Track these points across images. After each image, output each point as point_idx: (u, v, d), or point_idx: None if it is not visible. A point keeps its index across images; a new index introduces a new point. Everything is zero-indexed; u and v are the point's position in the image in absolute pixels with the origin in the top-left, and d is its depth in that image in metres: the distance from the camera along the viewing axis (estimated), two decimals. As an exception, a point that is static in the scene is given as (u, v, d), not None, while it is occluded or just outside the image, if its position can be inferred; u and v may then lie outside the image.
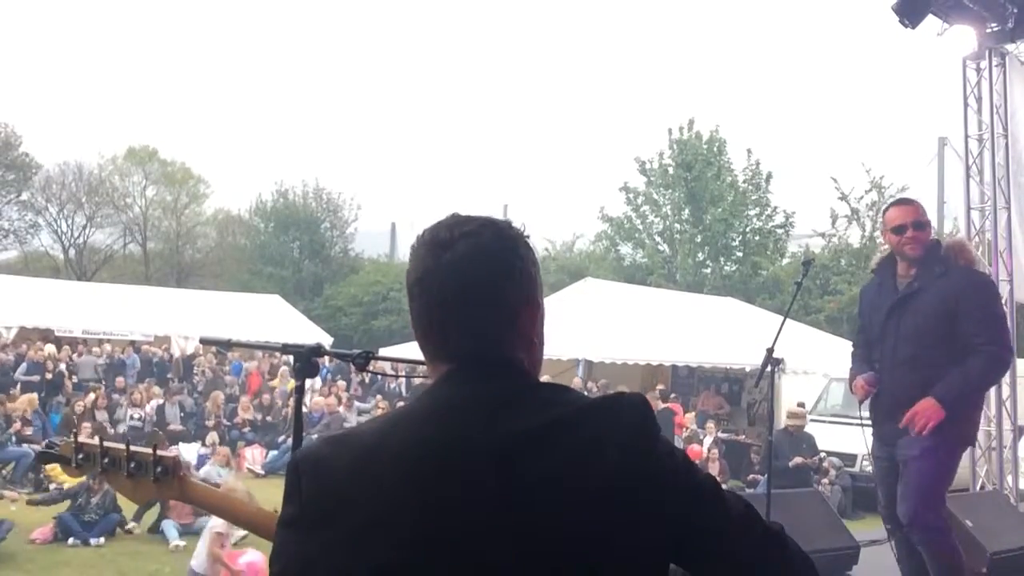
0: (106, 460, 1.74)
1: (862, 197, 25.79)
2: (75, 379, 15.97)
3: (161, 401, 14.42)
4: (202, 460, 11.85)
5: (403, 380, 15.57)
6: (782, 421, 11.64)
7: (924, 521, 3.87)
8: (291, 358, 2.12)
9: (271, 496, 1.60)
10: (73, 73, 69.96)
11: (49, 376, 15.35)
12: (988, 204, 8.43)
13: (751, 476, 12.17)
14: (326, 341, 19.48)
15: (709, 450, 12.07)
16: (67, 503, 8.62)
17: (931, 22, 7.94)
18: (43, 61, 67.37)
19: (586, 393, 1.41)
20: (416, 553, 1.08)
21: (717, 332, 15.75)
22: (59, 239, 37.03)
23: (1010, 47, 8.29)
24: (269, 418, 14.96)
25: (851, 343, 4.50)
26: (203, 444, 13.01)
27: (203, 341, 2.67)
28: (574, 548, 1.10)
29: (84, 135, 71.70)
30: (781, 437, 11.00)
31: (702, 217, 27.34)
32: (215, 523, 6.47)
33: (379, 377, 15.43)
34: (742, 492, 10.25)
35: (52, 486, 10.01)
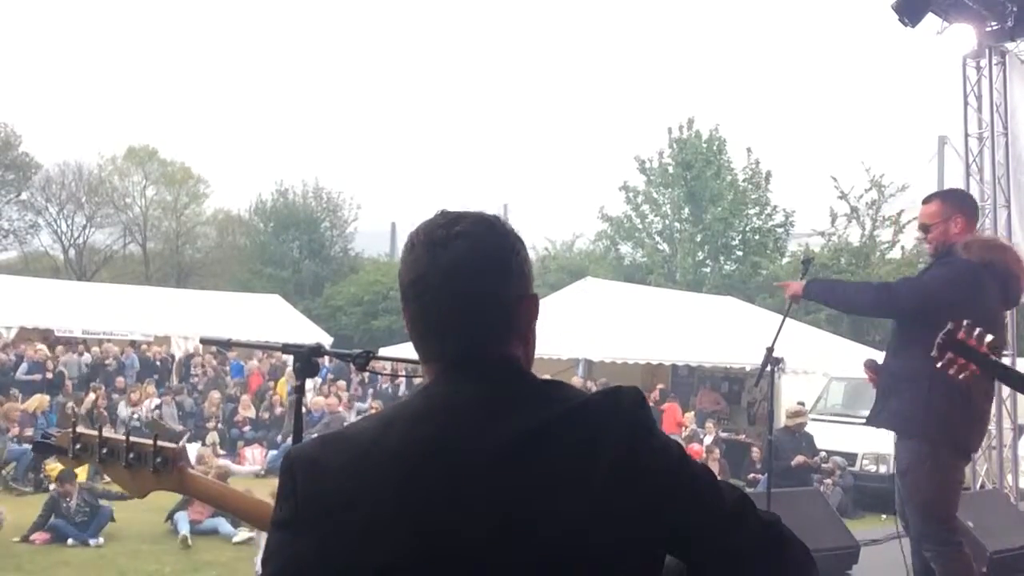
0: (104, 450, 1.72)
1: (862, 196, 25.81)
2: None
3: (158, 401, 14.41)
4: (202, 460, 11.84)
5: (394, 379, 15.53)
6: (782, 421, 11.64)
7: (931, 537, 3.77)
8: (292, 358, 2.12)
9: (269, 495, 1.59)
10: (73, 73, 69.98)
11: (50, 376, 15.35)
12: (988, 202, 8.43)
13: (751, 475, 12.17)
14: (326, 341, 19.47)
15: (709, 449, 12.07)
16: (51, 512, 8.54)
17: (931, 21, 7.94)
18: (43, 61, 67.39)
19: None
20: (414, 553, 1.08)
21: (717, 331, 15.74)
22: (59, 239, 37.05)
23: (1010, 45, 8.29)
24: (267, 415, 14.96)
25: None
26: (203, 444, 13.01)
27: (203, 341, 2.66)
28: (573, 544, 1.10)
29: (84, 135, 71.80)
30: (781, 436, 10.99)
31: (702, 216, 27.33)
32: None
33: (379, 377, 15.43)
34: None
35: (52, 486, 10.00)
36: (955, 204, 4.02)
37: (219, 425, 14.31)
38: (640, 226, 29.08)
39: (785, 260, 27.76)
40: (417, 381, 14.03)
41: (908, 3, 7.55)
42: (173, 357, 18.88)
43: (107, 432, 1.78)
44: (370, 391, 16.89)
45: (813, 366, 13.81)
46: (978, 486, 8.31)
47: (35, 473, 10.67)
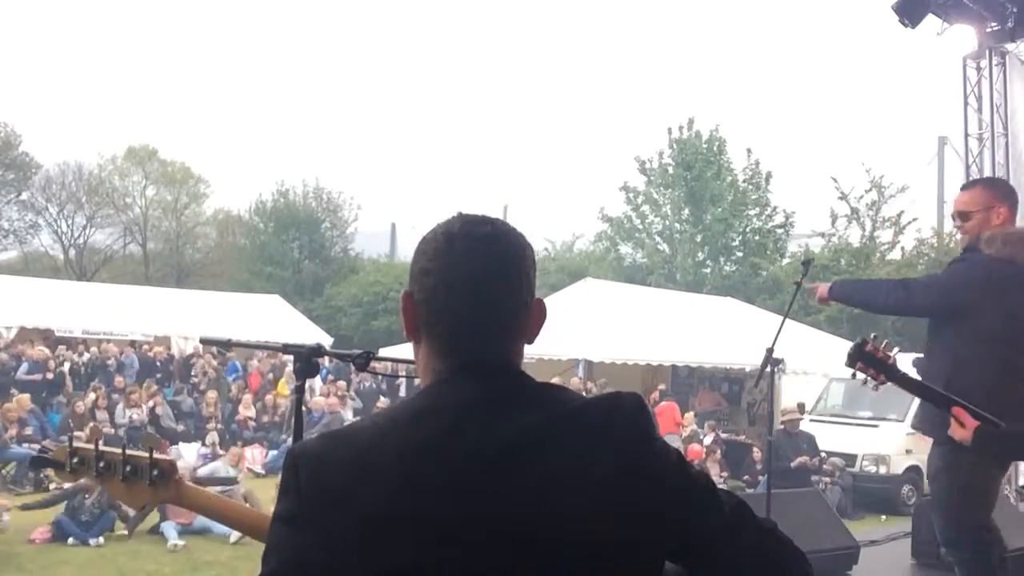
0: (101, 464, 1.73)
1: (862, 197, 25.80)
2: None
3: (152, 403, 14.39)
4: (202, 460, 11.86)
5: (376, 377, 15.51)
6: (782, 421, 11.65)
7: (954, 543, 3.60)
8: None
9: (271, 495, 1.59)
10: (73, 73, 69.99)
11: (51, 376, 15.35)
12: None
13: (746, 476, 12.19)
14: (326, 341, 19.46)
15: (710, 450, 12.08)
16: (63, 505, 8.60)
17: (931, 21, 7.96)
18: (43, 61, 67.39)
19: (585, 393, 1.42)
20: (415, 553, 1.08)
21: (717, 332, 15.74)
22: (59, 239, 37.05)
23: (1010, 46, 8.29)
24: (269, 417, 14.97)
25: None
26: (203, 444, 13.02)
27: (203, 341, 2.66)
28: (573, 547, 1.10)
29: (84, 135, 71.79)
30: (781, 437, 11.01)
31: (702, 217, 27.34)
32: None
33: (379, 377, 15.43)
34: (742, 492, 10.27)
35: (52, 486, 10.01)
36: (1000, 193, 3.62)
37: (219, 425, 14.31)
38: (640, 227, 29.09)
39: (785, 261, 27.75)
40: (417, 381, 13.99)
41: (908, 4, 7.56)
42: (172, 357, 18.87)
43: (103, 445, 1.78)
44: (351, 390, 16.73)
45: (813, 367, 13.81)
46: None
47: (35, 473, 10.67)
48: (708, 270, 28.04)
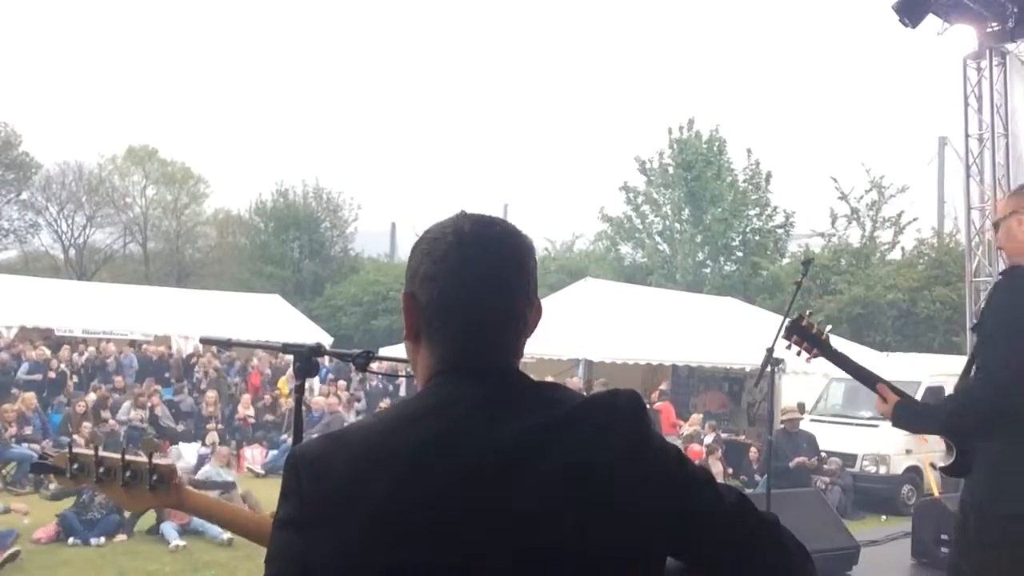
0: (101, 470, 1.73)
1: (862, 197, 25.83)
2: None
3: (152, 403, 14.38)
4: (202, 460, 11.85)
5: (381, 377, 15.51)
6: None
7: None
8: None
9: (272, 496, 1.59)
10: (73, 73, 70.01)
11: (53, 376, 15.35)
12: (988, 204, 8.43)
13: (743, 476, 12.19)
14: (326, 341, 19.47)
15: (710, 449, 12.08)
16: (71, 500, 8.63)
17: (931, 21, 7.96)
18: (43, 61, 67.39)
19: (584, 393, 1.42)
20: (418, 554, 1.08)
21: (717, 332, 15.73)
22: (59, 239, 37.07)
23: (1010, 46, 8.30)
24: (271, 417, 14.96)
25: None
26: (203, 444, 13.01)
27: (203, 341, 2.65)
28: (575, 545, 1.10)
29: (84, 135, 71.88)
30: (780, 437, 11.02)
31: (702, 217, 27.33)
32: None
33: (379, 377, 15.42)
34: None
35: (52, 486, 10.01)
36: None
37: (219, 425, 14.30)
38: (640, 226, 29.09)
39: (785, 261, 27.77)
40: (416, 381, 13.99)
41: (909, 4, 7.56)
42: (171, 355, 18.86)
43: (102, 450, 1.78)
44: (351, 390, 16.74)
45: (813, 366, 13.67)
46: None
47: (35, 474, 10.66)
48: (708, 270, 28.04)
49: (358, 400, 16.09)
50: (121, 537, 8.57)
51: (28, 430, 12.04)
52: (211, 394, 15.13)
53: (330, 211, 36.07)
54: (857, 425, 12.31)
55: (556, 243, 34.64)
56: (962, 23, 8.12)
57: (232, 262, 36.83)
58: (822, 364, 3.39)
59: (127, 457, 1.74)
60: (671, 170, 28.17)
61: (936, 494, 7.79)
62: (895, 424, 3.03)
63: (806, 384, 13.51)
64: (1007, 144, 8.32)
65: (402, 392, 16.74)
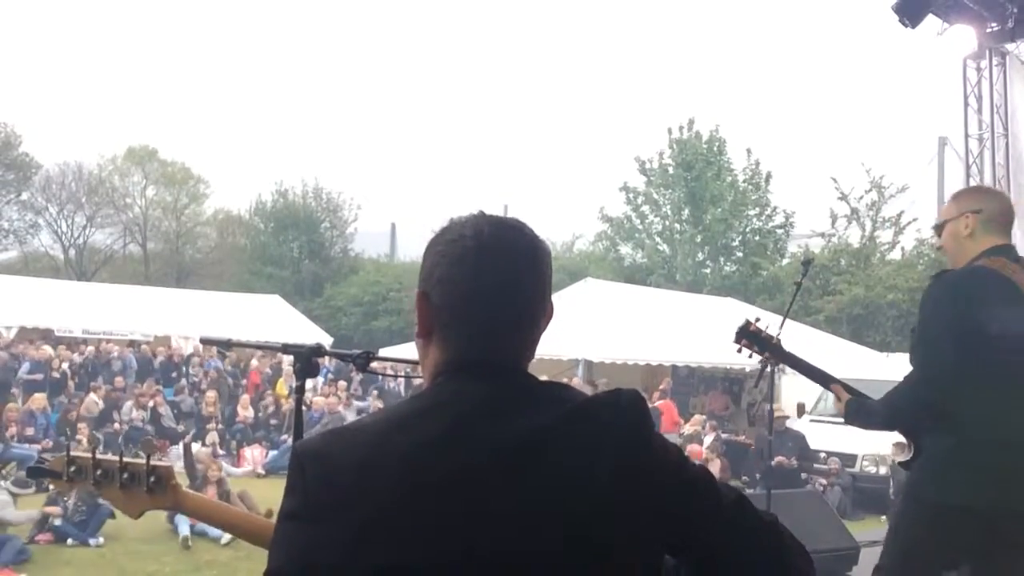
0: (99, 472, 1.72)
1: (862, 197, 25.79)
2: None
3: (154, 403, 14.39)
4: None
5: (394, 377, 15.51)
6: (782, 421, 11.63)
7: None
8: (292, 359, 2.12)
9: (271, 496, 1.59)
10: (73, 73, 70.02)
11: (56, 375, 15.36)
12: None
13: (744, 476, 12.20)
14: (326, 341, 19.47)
15: (711, 449, 12.08)
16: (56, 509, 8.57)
17: (931, 22, 7.96)
18: (43, 61, 67.40)
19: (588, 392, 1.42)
20: (419, 552, 1.08)
21: (717, 332, 15.69)
22: (59, 239, 37.08)
23: (1010, 47, 8.30)
24: (270, 418, 14.95)
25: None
26: (203, 444, 13.00)
27: (203, 341, 2.65)
28: (574, 544, 1.10)
29: (84, 135, 71.89)
30: (767, 437, 11.09)
31: (702, 217, 27.31)
32: None
33: (379, 377, 15.42)
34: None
35: (52, 487, 9.99)
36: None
37: (219, 425, 14.30)
38: (640, 227, 29.07)
39: (785, 261, 27.75)
40: (417, 381, 14.03)
41: (908, 4, 7.56)
42: (171, 356, 18.85)
43: (100, 451, 1.77)
44: (373, 391, 16.80)
45: (813, 367, 13.76)
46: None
47: (33, 480, 10.64)
48: (708, 270, 28.02)
49: (358, 397, 16.08)
50: (121, 535, 8.55)
51: (30, 431, 12.05)
52: (211, 394, 15.13)
53: (330, 211, 36.06)
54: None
55: (556, 243, 34.67)
56: (962, 23, 8.13)
57: (232, 263, 36.84)
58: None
59: (125, 459, 1.73)
60: (671, 170, 28.15)
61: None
62: (847, 421, 3.13)
63: (806, 385, 13.46)
64: (1007, 144, 8.33)
65: (401, 392, 16.75)
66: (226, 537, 8.31)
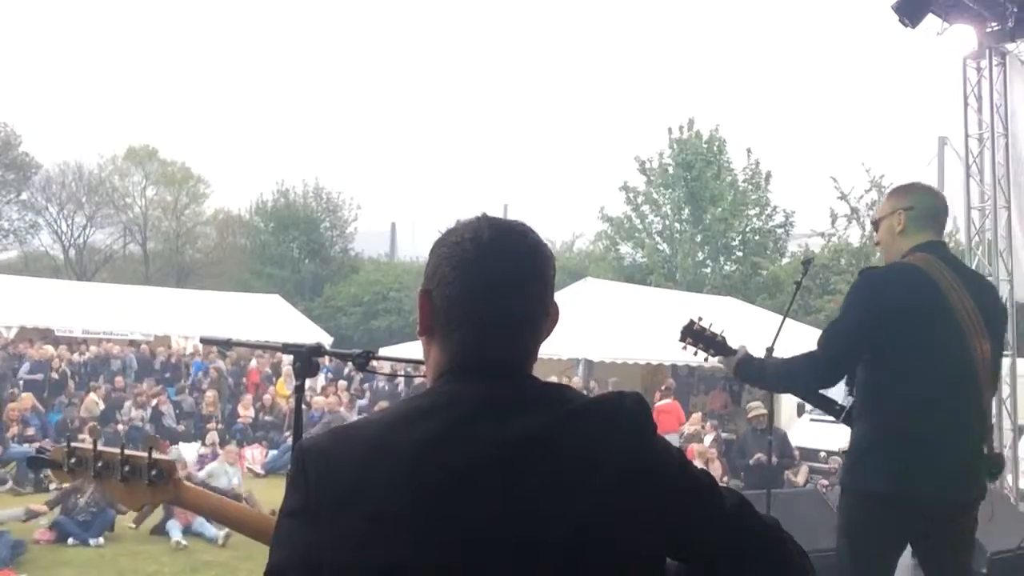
0: (99, 464, 1.72)
1: (862, 197, 25.76)
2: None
3: (154, 401, 14.40)
4: (202, 460, 11.85)
5: (392, 378, 15.49)
6: (782, 421, 11.64)
7: None
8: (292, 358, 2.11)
9: (271, 496, 1.59)
10: (73, 73, 70.04)
11: (55, 376, 15.36)
12: (988, 204, 8.43)
13: (743, 474, 12.19)
14: (326, 341, 19.47)
15: (708, 449, 12.09)
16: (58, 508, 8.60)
17: (931, 21, 7.94)
18: (43, 61, 67.42)
19: (586, 392, 1.42)
20: (419, 551, 1.08)
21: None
22: (59, 239, 37.08)
23: (1010, 46, 8.28)
24: (269, 417, 14.97)
25: None
26: (203, 444, 13.01)
27: (203, 341, 2.66)
28: (574, 546, 1.11)
29: (84, 135, 71.95)
30: (749, 435, 11.23)
31: (702, 217, 27.31)
32: None
33: (374, 376, 15.42)
34: (741, 491, 10.30)
35: (52, 486, 10.01)
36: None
37: (219, 425, 14.32)
38: (640, 226, 29.06)
39: (785, 261, 27.75)
40: (417, 381, 14.04)
41: (908, 4, 7.55)
42: (171, 356, 18.86)
43: (101, 445, 1.77)
44: (366, 388, 16.73)
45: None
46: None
47: (35, 474, 10.67)
48: (708, 270, 28.02)
49: (360, 397, 16.06)
50: (121, 536, 8.57)
51: (30, 431, 12.05)
52: (211, 394, 15.14)
53: (330, 211, 36.09)
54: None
55: (556, 243, 34.65)
56: (962, 23, 8.11)
57: (232, 262, 36.85)
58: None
59: (126, 452, 1.72)
60: (671, 170, 28.14)
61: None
62: (736, 370, 3.33)
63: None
64: (1007, 144, 8.31)
65: (401, 392, 16.74)
66: (222, 537, 8.33)
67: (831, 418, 3.50)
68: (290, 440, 6.09)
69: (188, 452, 12.35)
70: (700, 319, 3.59)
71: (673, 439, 12.57)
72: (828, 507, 7.28)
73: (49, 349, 16.21)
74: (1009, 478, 8.41)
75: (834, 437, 11.93)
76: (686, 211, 27.92)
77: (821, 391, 3.29)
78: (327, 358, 2.23)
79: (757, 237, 27.96)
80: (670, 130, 28.44)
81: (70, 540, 8.25)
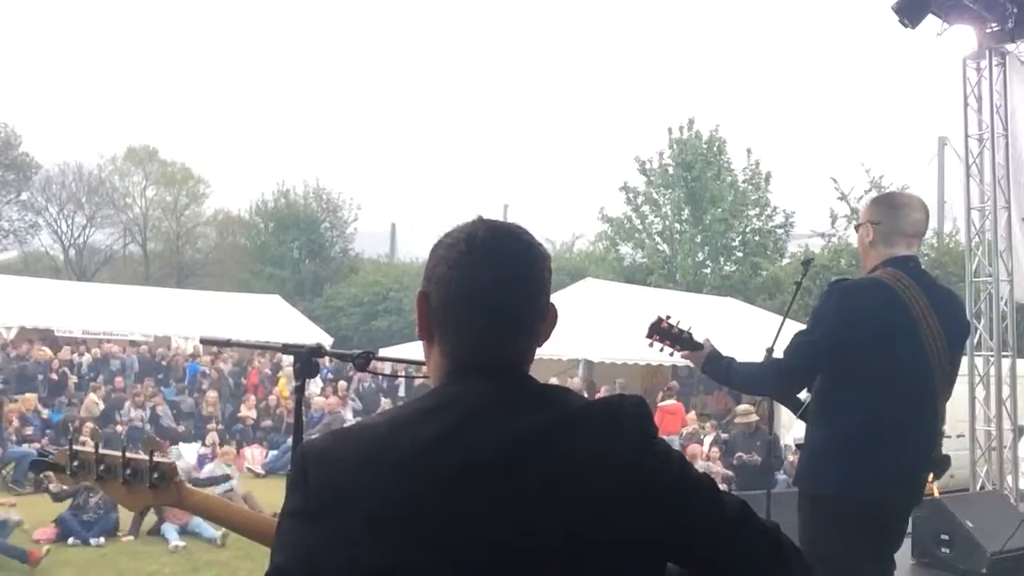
0: (101, 467, 1.72)
1: (862, 197, 25.75)
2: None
3: (152, 403, 14.38)
4: (202, 460, 11.86)
5: (376, 378, 15.48)
6: (782, 421, 11.62)
7: None
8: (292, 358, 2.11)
9: (271, 497, 1.59)
10: (73, 73, 70.00)
11: (54, 377, 15.35)
12: (988, 204, 8.43)
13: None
14: (326, 341, 19.48)
15: (709, 449, 12.09)
16: (68, 502, 8.63)
17: (931, 22, 7.95)
18: (43, 61, 67.41)
19: (585, 394, 1.43)
20: (419, 552, 1.08)
21: (717, 332, 15.68)
22: (59, 239, 37.08)
23: (1010, 47, 8.29)
24: (269, 422, 14.95)
25: None
26: (203, 444, 13.01)
27: (203, 341, 2.65)
28: (574, 548, 1.11)
29: (84, 135, 71.88)
30: (738, 435, 11.29)
31: (702, 217, 27.31)
32: None
33: (379, 377, 15.41)
34: (740, 491, 10.30)
35: (51, 486, 10.01)
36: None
37: (219, 425, 14.31)
38: (640, 227, 29.05)
39: (785, 261, 27.75)
40: (418, 382, 14.04)
41: (908, 4, 7.55)
42: (172, 356, 18.84)
43: (103, 447, 1.77)
44: (351, 391, 16.55)
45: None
46: (978, 487, 8.31)
47: (35, 474, 10.67)
48: (708, 270, 28.00)
49: (352, 399, 16.02)
50: (126, 538, 8.57)
51: (29, 430, 12.05)
52: (211, 394, 15.13)
53: (330, 211, 36.05)
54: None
55: (556, 243, 34.65)
56: (962, 23, 8.12)
57: (232, 263, 36.82)
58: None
59: (128, 454, 1.73)
60: (671, 170, 28.13)
61: (936, 494, 7.80)
62: (705, 367, 3.36)
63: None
64: (1007, 144, 8.31)
65: (401, 393, 16.73)
66: (221, 537, 8.33)
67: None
68: (290, 440, 6.09)
69: (188, 452, 12.36)
70: (668, 317, 3.63)
71: (675, 440, 12.59)
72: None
73: (48, 350, 16.20)
74: (1009, 478, 8.41)
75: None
76: (686, 211, 27.91)
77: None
78: (327, 358, 2.23)
79: (757, 238, 27.95)
80: (670, 130, 28.45)
81: (70, 540, 8.25)
